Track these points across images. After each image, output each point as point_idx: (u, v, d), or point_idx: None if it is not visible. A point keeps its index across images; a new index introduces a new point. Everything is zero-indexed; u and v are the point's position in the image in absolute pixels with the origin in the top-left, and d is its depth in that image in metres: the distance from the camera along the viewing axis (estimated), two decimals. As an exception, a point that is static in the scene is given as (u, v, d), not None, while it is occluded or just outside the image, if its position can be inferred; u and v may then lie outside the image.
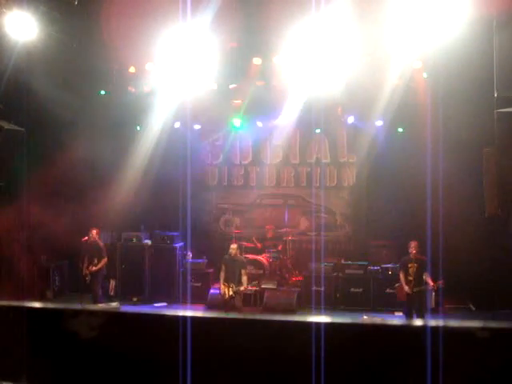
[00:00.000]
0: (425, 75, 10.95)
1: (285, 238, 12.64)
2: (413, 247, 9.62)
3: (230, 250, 10.28)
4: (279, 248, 12.54)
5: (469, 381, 1.73)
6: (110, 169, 12.61)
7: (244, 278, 10.08)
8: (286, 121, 12.63)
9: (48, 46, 10.07)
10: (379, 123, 12.23)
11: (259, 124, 13.23)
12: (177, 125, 12.99)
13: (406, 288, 9.59)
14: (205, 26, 9.71)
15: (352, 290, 11.69)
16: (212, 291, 11.61)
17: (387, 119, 12.02)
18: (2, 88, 9.93)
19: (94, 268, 10.87)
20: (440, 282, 9.34)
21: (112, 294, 12.49)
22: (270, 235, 12.85)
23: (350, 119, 12.58)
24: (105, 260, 11.07)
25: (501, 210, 8.81)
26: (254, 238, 12.92)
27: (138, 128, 12.80)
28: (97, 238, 11.07)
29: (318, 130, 13.08)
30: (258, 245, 12.77)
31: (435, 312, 10.32)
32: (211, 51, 10.34)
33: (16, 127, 10.21)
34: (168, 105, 11.91)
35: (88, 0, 10.02)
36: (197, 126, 13.25)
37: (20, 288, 11.30)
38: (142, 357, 1.96)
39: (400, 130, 12.25)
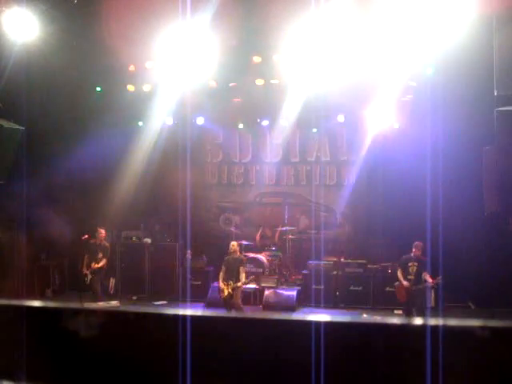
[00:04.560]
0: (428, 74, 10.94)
1: (284, 237, 12.64)
2: (418, 248, 9.64)
3: (230, 248, 10.29)
4: (279, 244, 12.55)
5: (469, 380, 1.73)
6: (109, 167, 12.60)
7: (242, 275, 10.10)
8: (285, 119, 12.62)
9: (47, 45, 10.06)
10: (379, 122, 12.22)
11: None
12: (176, 123, 12.99)
13: (406, 283, 9.60)
14: (204, 24, 9.70)
15: (352, 288, 11.70)
16: (212, 290, 11.61)
17: (387, 118, 12.02)
18: (2, 86, 9.91)
19: (96, 265, 10.88)
20: (439, 278, 9.36)
21: (112, 292, 12.50)
22: (268, 234, 12.85)
23: (350, 117, 12.58)
24: (107, 261, 11.11)
25: (501, 209, 8.81)
26: (258, 234, 12.85)
27: (139, 126, 12.80)
28: (103, 239, 11.13)
29: (314, 130, 13.10)
30: (257, 237, 12.72)
31: (435, 311, 10.33)
32: (211, 49, 10.32)
33: (16, 126, 10.21)
34: (168, 103, 11.90)
35: (88, -2, 10.02)
36: (196, 124, 13.24)
37: (20, 286, 11.30)
38: (142, 355, 1.96)
39: (399, 128, 12.26)
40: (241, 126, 13.67)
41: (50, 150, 11.65)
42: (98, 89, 12.14)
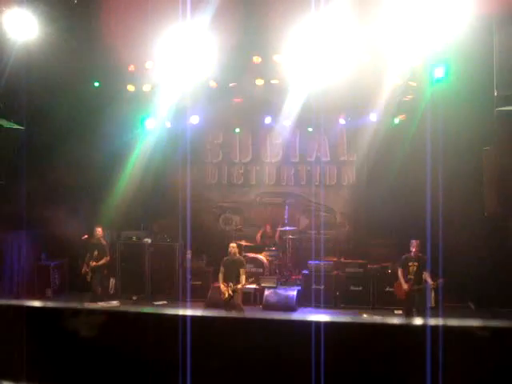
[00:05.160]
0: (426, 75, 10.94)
1: (284, 237, 12.64)
2: (414, 246, 9.63)
3: (230, 250, 10.28)
4: (279, 244, 12.56)
5: (468, 379, 1.73)
6: (109, 167, 12.60)
7: (242, 277, 10.10)
8: (285, 119, 12.62)
9: (47, 45, 10.06)
10: (379, 122, 12.21)
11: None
12: (176, 123, 12.99)
13: (406, 286, 9.60)
14: (204, 24, 9.70)
15: (352, 288, 11.70)
16: (212, 290, 11.61)
17: (387, 118, 12.02)
18: (2, 86, 9.91)
19: (94, 263, 10.89)
20: (440, 281, 9.34)
21: (112, 292, 12.50)
22: (269, 234, 12.85)
23: (350, 118, 12.58)
24: (107, 258, 11.12)
25: (501, 209, 8.81)
26: (258, 235, 12.91)
27: (140, 126, 12.80)
28: (100, 237, 11.13)
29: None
30: (258, 237, 12.74)
31: (435, 311, 10.33)
32: (211, 50, 10.33)
33: (16, 126, 10.21)
34: (168, 103, 11.90)
35: (88, -2, 10.03)
36: (196, 124, 13.23)
37: (20, 286, 11.30)
38: (142, 355, 1.96)
39: (399, 128, 12.24)
40: (237, 130, 13.67)
41: (50, 150, 11.64)
42: (97, 84, 12.07)
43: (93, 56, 11.00)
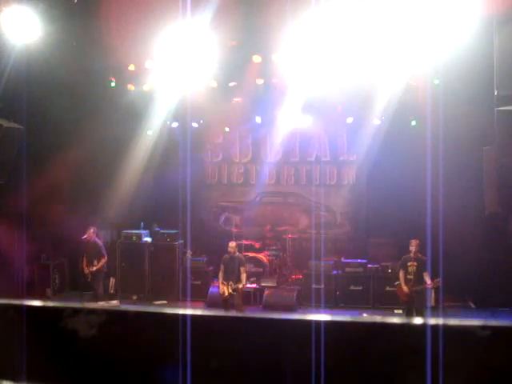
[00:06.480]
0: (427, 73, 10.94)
1: (284, 236, 12.64)
2: (413, 245, 9.62)
3: (229, 249, 10.28)
4: (279, 247, 12.56)
5: (469, 379, 1.73)
6: (109, 167, 12.60)
7: (243, 276, 10.10)
8: (286, 119, 12.62)
9: (47, 44, 10.06)
10: (379, 122, 12.22)
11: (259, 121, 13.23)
12: (176, 123, 12.99)
13: (405, 288, 9.59)
14: (205, 23, 9.71)
15: (352, 287, 11.70)
16: (212, 289, 11.61)
17: (387, 118, 12.02)
18: (2, 86, 9.91)
19: (93, 268, 10.88)
20: (438, 280, 9.34)
21: (112, 292, 12.50)
22: (269, 234, 12.86)
23: (350, 118, 12.58)
24: (104, 259, 11.07)
25: (501, 209, 8.81)
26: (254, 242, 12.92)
27: (140, 126, 12.79)
28: (94, 237, 11.06)
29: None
30: (256, 245, 12.76)
31: (435, 310, 10.33)
32: (211, 49, 10.33)
33: (15, 125, 10.21)
34: (168, 103, 11.90)
35: (88, -2, 10.03)
36: (196, 124, 13.24)
37: (20, 286, 11.30)
38: (142, 355, 1.96)
39: (399, 128, 12.25)
40: (237, 130, 13.65)
41: (50, 150, 11.64)
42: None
43: (93, 56, 11.00)
